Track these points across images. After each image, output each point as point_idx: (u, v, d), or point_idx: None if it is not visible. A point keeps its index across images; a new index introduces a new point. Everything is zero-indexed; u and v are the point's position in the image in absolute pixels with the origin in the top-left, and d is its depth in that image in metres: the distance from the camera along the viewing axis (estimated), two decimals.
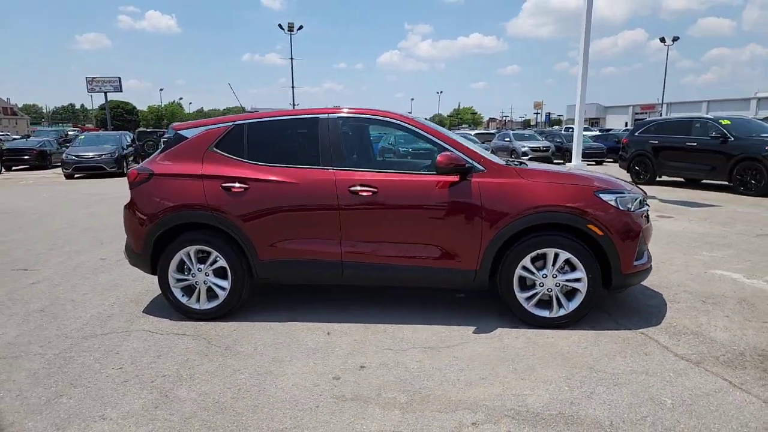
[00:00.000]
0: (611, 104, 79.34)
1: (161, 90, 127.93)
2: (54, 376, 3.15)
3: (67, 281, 5.14)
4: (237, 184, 3.88)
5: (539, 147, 22.38)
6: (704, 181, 12.07)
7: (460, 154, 3.69)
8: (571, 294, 3.71)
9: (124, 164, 17.54)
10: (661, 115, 69.48)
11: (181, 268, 4.05)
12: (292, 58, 47.09)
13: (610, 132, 28.91)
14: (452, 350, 3.41)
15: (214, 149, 4.03)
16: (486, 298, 4.31)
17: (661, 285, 4.63)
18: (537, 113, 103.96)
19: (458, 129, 47.11)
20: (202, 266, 4.00)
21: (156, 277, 4.09)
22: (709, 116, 12.26)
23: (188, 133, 4.12)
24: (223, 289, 4.00)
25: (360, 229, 3.79)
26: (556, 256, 3.64)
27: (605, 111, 78.94)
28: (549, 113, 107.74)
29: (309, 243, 3.86)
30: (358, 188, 3.75)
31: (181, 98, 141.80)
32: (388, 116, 4.00)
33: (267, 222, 3.85)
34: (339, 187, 3.77)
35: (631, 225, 3.64)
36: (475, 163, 3.73)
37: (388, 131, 6.91)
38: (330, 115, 3.99)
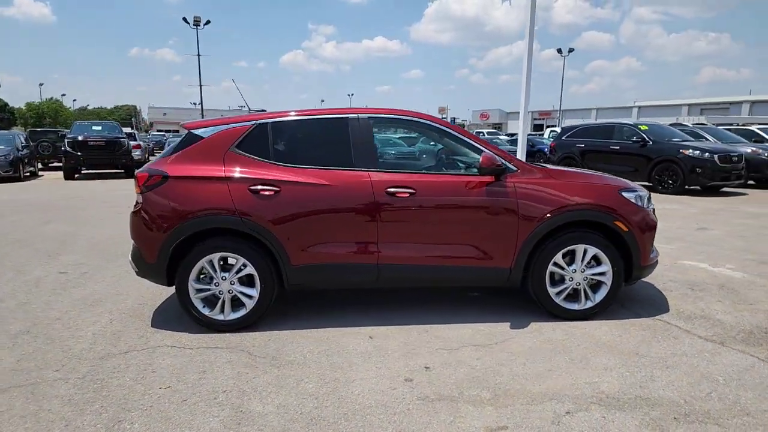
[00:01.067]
0: (512, 110, 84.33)
1: (41, 85, 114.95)
2: (96, 402, 2.83)
3: (36, 299, 4.59)
4: (267, 187, 3.71)
5: None
6: None
7: (497, 155, 3.81)
8: (595, 287, 3.96)
9: (21, 168, 15.81)
10: (558, 122, 74.84)
11: (201, 277, 3.80)
12: (198, 54, 44.72)
13: (514, 136, 30.63)
14: (503, 346, 3.51)
15: (236, 150, 3.82)
16: (498, 295, 4.47)
17: (648, 276, 5.06)
18: (443, 118, 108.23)
19: None
20: (226, 274, 3.77)
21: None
22: (629, 122, 13.48)
23: (203, 133, 3.88)
24: (249, 297, 3.80)
25: (397, 231, 3.78)
26: (585, 251, 3.87)
27: (507, 116, 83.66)
28: (454, 118, 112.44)
29: (344, 246, 3.78)
30: (397, 190, 3.75)
31: (63, 94, 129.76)
32: (419, 117, 4.03)
33: (300, 226, 3.73)
34: (376, 189, 3.74)
35: (648, 220, 3.97)
36: (508, 164, 3.86)
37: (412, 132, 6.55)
38: (360, 115, 3.94)
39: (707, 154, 11.26)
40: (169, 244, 3.70)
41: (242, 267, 3.76)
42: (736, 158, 11.53)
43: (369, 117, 3.93)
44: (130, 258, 3.97)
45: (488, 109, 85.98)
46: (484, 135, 33.41)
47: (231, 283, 3.78)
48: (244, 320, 3.80)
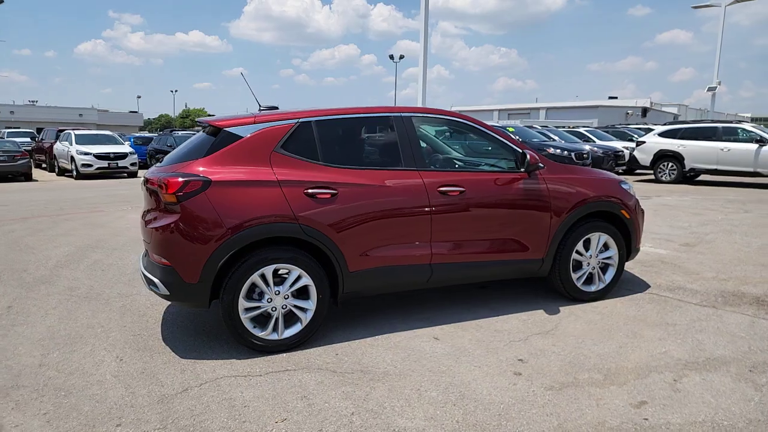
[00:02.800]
0: None
1: None
2: None
3: None
4: (323, 190, 3.44)
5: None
6: None
7: (533, 153, 4.04)
8: (604, 270, 4.44)
9: None
10: None
11: (250, 294, 3.37)
12: None
13: None
14: (560, 331, 3.75)
15: (282, 150, 3.47)
16: (502, 287, 4.74)
17: None
18: None
19: None
20: (280, 288, 3.40)
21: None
22: (498, 124, 14.93)
23: (241, 132, 3.43)
24: (304, 311, 3.48)
25: (449, 230, 3.80)
26: (599, 238, 4.32)
27: None
28: None
29: (400, 248, 3.68)
30: (448, 189, 3.76)
31: None
32: (457, 116, 4.08)
33: (358, 229, 3.53)
34: (429, 188, 3.71)
35: (639, 208, 4.57)
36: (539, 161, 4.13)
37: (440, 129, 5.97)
38: (403, 113, 3.85)
39: (566, 152, 13.05)
40: (218, 260, 3.21)
41: (299, 278, 3.43)
42: (586, 155, 13.57)
43: (412, 116, 3.86)
44: (154, 279, 3.32)
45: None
46: None
47: (285, 297, 3.42)
48: (301, 337, 3.47)
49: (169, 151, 21.27)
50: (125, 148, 18.86)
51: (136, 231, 7.65)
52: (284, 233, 3.34)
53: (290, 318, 3.48)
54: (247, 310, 3.35)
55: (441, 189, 3.73)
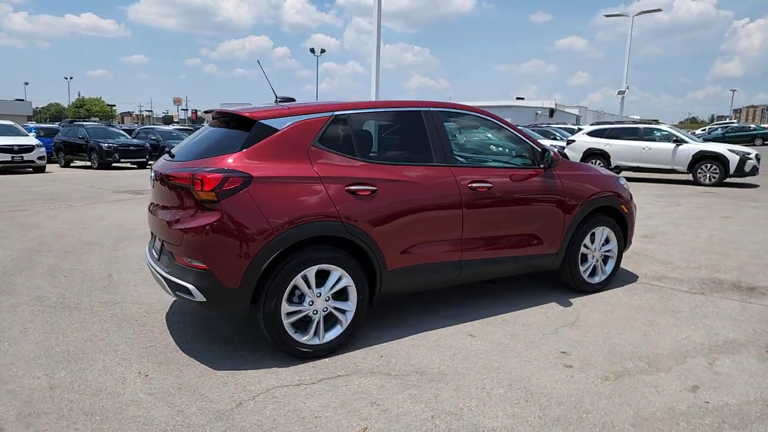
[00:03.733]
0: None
1: None
2: None
3: None
4: (364, 187, 3.30)
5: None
6: None
7: (554, 150, 4.13)
8: (604, 262, 4.64)
9: None
10: None
11: (291, 297, 3.17)
12: None
13: None
14: (584, 323, 3.88)
15: (319, 145, 3.28)
16: (507, 282, 4.84)
17: None
18: (185, 109, 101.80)
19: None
20: (321, 290, 3.23)
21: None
22: None
23: (277, 124, 3.20)
24: (344, 312, 3.33)
25: (478, 226, 3.79)
26: (602, 232, 4.52)
27: None
28: (195, 110, 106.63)
29: (435, 245, 3.62)
30: (478, 185, 3.75)
31: None
32: (480, 112, 4.08)
33: (396, 227, 3.42)
34: (460, 184, 3.68)
35: (633, 202, 4.83)
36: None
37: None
38: (431, 108, 3.78)
39: None
40: (262, 262, 2.98)
41: (339, 278, 3.27)
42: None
43: (439, 111, 3.81)
44: (185, 284, 3.01)
45: (238, 103, 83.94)
46: None
47: (326, 300, 3.25)
48: (341, 340, 3.32)
49: (84, 144, 19.48)
50: (31, 140, 17.09)
51: (81, 232, 6.97)
52: (329, 232, 3.16)
53: (329, 321, 3.31)
54: (289, 314, 3.14)
55: (471, 185, 3.72)
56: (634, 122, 15.55)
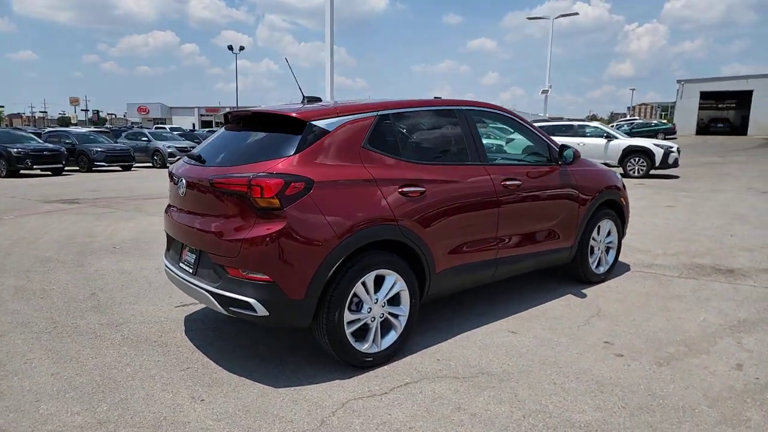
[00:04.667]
0: (176, 105, 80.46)
1: None
2: None
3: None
4: (414, 188, 3.23)
5: (186, 147, 21.64)
6: None
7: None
8: (606, 253, 4.87)
9: None
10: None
11: (350, 305, 3.04)
12: None
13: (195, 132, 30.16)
14: (607, 313, 4.03)
15: (368, 146, 3.17)
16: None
17: None
18: (85, 110, 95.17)
19: None
20: (378, 296, 3.13)
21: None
22: None
23: (327, 126, 3.05)
24: (397, 317, 3.25)
25: (511, 223, 3.84)
26: (606, 224, 4.73)
27: (170, 112, 79.53)
28: (98, 111, 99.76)
29: (476, 244, 3.62)
30: (509, 182, 3.80)
31: None
32: (505, 111, 4.13)
33: (444, 227, 3.39)
34: (495, 183, 3.71)
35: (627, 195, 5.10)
36: None
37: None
38: (463, 107, 3.78)
39: None
40: (327, 270, 2.84)
41: (394, 283, 3.18)
42: None
43: (469, 109, 3.81)
44: (245, 299, 2.79)
45: (147, 103, 79.36)
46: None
47: (382, 306, 3.15)
48: (396, 346, 3.24)
49: None
50: None
51: (29, 248, 6.29)
52: (387, 236, 3.07)
53: (384, 327, 3.21)
54: (350, 323, 3.01)
55: (504, 183, 3.75)
56: (569, 120, 16.47)
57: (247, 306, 2.79)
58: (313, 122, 3.01)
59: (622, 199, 4.84)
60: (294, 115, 3.03)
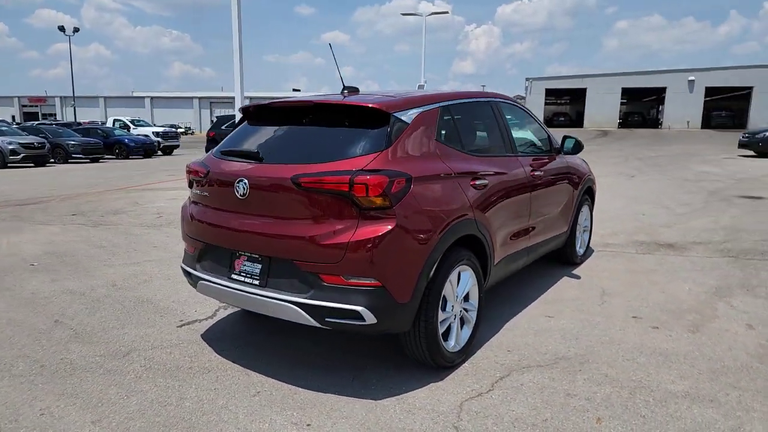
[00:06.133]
0: None
1: None
2: None
3: None
4: (481, 181, 3.21)
5: (33, 143, 18.83)
6: None
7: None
8: (583, 235, 5.27)
9: None
10: (60, 110, 66.70)
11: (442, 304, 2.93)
12: None
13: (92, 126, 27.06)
14: (611, 290, 4.37)
15: (440, 138, 3.08)
16: None
17: None
18: None
19: None
20: (458, 292, 3.05)
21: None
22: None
23: (405, 117, 2.88)
24: (468, 312, 3.20)
25: (537, 211, 3.97)
26: (586, 209, 5.12)
27: None
28: None
29: (518, 234, 3.70)
30: (535, 172, 3.93)
31: None
32: (515, 103, 4.23)
33: (501, 219, 3.42)
34: (527, 173, 3.81)
35: None
36: None
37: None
38: (494, 99, 3.84)
39: None
40: (429, 269, 2.71)
41: (468, 278, 3.13)
42: None
43: (498, 101, 3.86)
44: (353, 308, 2.52)
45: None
46: None
47: (460, 302, 3.09)
48: (471, 341, 3.19)
49: None
50: None
51: None
52: (468, 231, 3.00)
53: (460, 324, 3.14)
54: (441, 323, 2.90)
55: (532, 173, 3.87)
56: None
57: (353, 315, 2.54)
58: (396, 114, 2.82)
59: (594, 185, 5.27)
60: (377, 106, 2.80)
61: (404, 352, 2.96)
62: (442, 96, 3.28)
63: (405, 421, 2.51)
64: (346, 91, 3.33)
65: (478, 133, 3.65)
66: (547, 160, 4.28)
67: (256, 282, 2.77)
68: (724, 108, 44.67)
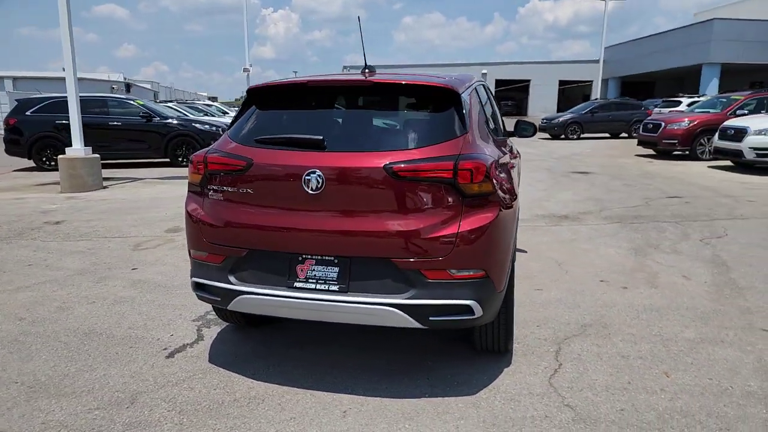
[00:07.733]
0: None
1: None
2: None
3: None
4: (512, 162, 3.30)
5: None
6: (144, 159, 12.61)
7: None
8: None
9: None
10: None
11: None
12: None
13: None
14: (560, 260, 4.80)
15: (485, 119, 3.08)
16: None
17: None
18: None
19: None
20: None
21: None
22: (121, 96, 12.63)
23: (466, 97, 2.80)
24: None
25: None
26: None
27: None
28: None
29: None
30: (510, 153, 4.09)
31: None
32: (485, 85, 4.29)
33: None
34: (511, 155, 3.96)
35: None
36: None
37: None
38: (483, 81, 3.86)
39: (214, 127, 12.76)
40: (514, 253, 2.68)
41: None
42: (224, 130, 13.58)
43: (483, 84, 3.91)
44: (461, 302, 2.36)
45: None
46: None
47: None
48: None
49: None
50: None
51: None
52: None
53: None
54: None
55: (512, 154, 4.04)
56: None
57: (464, 310, 2.39)
58: (463, 95, 2.69)
59: None
60: (448, 86, 2.63)
61: (470, 342, 2.89)
62: (467, 77, 3.22)
63: (518, 410, 2.47)
64: (367, 70, 3.06)
65: (489, 115, 3.67)
66: (506, 144, 4.49)
67: (335, 287, 2.42)
68: (510, 98, 51.52)
